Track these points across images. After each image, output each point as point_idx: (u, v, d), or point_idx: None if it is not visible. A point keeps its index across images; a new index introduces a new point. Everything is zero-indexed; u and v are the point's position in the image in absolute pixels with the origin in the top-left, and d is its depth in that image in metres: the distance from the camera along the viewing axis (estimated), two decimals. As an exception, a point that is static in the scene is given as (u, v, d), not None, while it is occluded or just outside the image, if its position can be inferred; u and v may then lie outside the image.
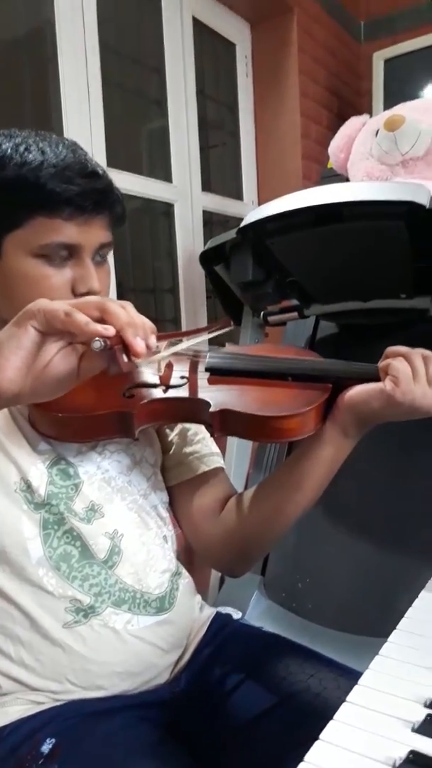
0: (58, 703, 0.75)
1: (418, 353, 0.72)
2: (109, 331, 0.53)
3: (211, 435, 0.76)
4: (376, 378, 0.73)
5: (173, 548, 0.88)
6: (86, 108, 1.75)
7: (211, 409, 0.72)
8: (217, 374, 0.78)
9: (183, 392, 0.75)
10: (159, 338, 0.77)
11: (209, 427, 0.75)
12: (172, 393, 0.75)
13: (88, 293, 0.74)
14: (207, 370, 0.79)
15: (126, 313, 0.55)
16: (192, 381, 0.77)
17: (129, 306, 0.57)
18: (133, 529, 0.80)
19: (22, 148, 0.71)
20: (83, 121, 1.73)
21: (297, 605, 1.61)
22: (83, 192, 0.70)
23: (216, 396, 0.74)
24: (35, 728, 0.71)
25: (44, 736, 0.69)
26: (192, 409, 0.75)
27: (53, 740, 0.69)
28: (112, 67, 1.90)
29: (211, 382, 0.77)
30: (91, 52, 1.77)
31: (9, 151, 0.71)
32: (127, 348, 0.54)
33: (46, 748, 0.68)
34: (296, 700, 0.77)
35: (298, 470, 0.79)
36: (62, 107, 1.70)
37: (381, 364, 0.73)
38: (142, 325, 0.56)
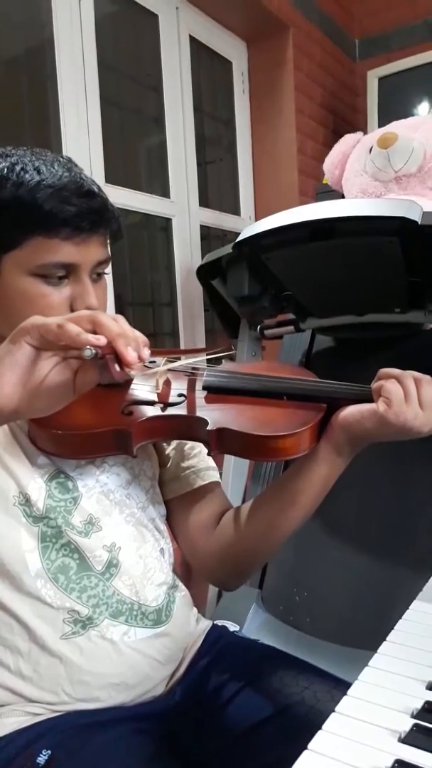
0: (54, 715, 0.75)
1: (409, 375, 0.73)
2: (101, 340, 0.55)
3: (209, 453, 0.77)
4: (369, 399, 0.74)
5: (170, 561, 0.88)
6: (85, 125, 1.78)
7: (208, 428, 0.73)
8: (215, 392, 0.79)
9: (181, 410, 0.75)
10: (157, 353, 0.79)
11: (207, 445, 0.75)
12: (170, 411, 0.75)
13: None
14: (204, 388, 0.79)
15: (117, 324, 0.57)
16: (190, 399, 0.78)
17: (121, 319, 0.59)
18: (130, 542, 0.81)
19: (18, 168, 0.71)
20: (82, 138, 1.76)
21: (294, 618, 1.61)
22: (80, 212, 0.71)
23: (213, 414, 0.75)
24: (31, 740, 0.71)
25: (40, 747, 0.70)
26: (190, 427, 0.76)
27: (49, 752, 0.69)
28: (110, 85, 1.93)
29: (208, 400, 0.78)
30: (90, 70, 1.80)
31: (5, 171, 0.72)
32: (119, 358, 0.56)
33: (41, 759, 0.68)
34: (290, 713, 0.78)
35: (292, 487, 0.80)
36: (61, 124, 1.73)
37: (374, 385, 0.75)
38: (133, 337, 0.57)
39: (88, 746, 0.70)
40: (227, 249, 1.60)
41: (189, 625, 0.90)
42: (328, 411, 0.76)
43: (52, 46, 1.73)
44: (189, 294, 2.23)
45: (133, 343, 0.57)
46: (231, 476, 1.76)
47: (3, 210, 0.71)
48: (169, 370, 0.82)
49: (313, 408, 0.76)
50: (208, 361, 0.83)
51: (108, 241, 0.79)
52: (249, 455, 0.78)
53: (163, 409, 0.75)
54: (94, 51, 1.81)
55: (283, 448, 0.74)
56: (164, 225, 2.18)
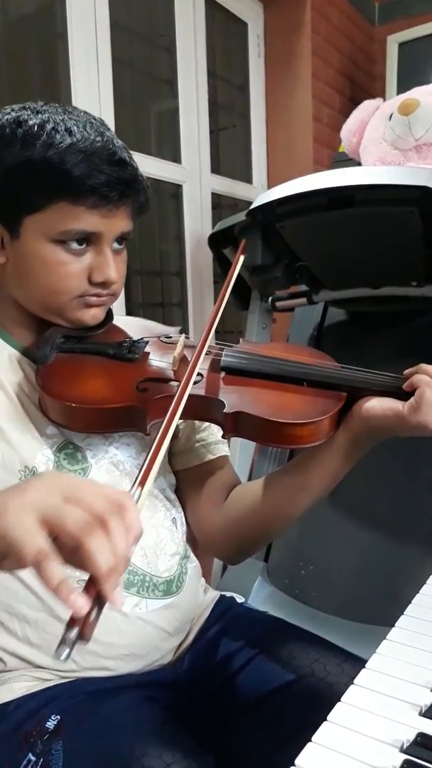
0: (63, 681, 0.75)
1: None
2: (79, 611, 0.44)
3: (223, 436, 0.75)
4: (395, 391, 0.72)
5: (182, 531, 0.87)
6: (96, 86, 1.73)
7: (225, 410, 0.71)
8: (233, 374, 0.77)
9: (198, 390, 0.73)
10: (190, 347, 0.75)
11: (222, 427, 0.73)
12: (189, 387, 0.73)
13: (104, 282, 0.74)
14: (223, 368, 0.77)
15: (108, 553, 0.46)
16: (207, 379, 0.76)
17: (116, 531, 0.47)
18: (142, 512, 0.80)
19: (49, 127, 0.68)
20: (92, 100, 1.71)
21: (299, 592, 1.61)
22: (109, 181, 0.68)
23: (231, 397, 0.73)
24: (40, 704, 0.71)
25: (49, 712, 0.69)
26: (206, 408, 0.74)
27: (58, 717, 0.69)
28: (122, 46, 1.88)
29: (226, 381, 0.76)
30: (102, 29, 1.75)
31: (35, 128, 0.68)
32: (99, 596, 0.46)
33: (51, 724, 0.68)
34: (300, 684, 0.77)
35: (304, 472, 0.79)
36: (71, 85, 1.68)
37: (407, 382, 0.71)
38: (124, 560, 0.47)
39: (97, 713, 0.70)
40: (240, 217, 1.57)
41: (198, 596, 0.89)
42: (348, 400, 0.74)
43: (63, 4, 1.67)
44: (199, 264, 2.19)
45: (122, 568, 0.47)
46: (239, 450, 1.75)
47: (30, 170, 0.68)
48: (185, 347, 0.79)
49: (334, 396, 0.74)
50: (225, 334, 0.80)
51: (134, 213, 0.76)
52: (264, 440, 0.75)
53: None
54: (106, 9, 1.76)
55: (300, 436, 0.71)
56: (175, 192, 2.14)
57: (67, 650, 0.44)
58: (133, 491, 0.54)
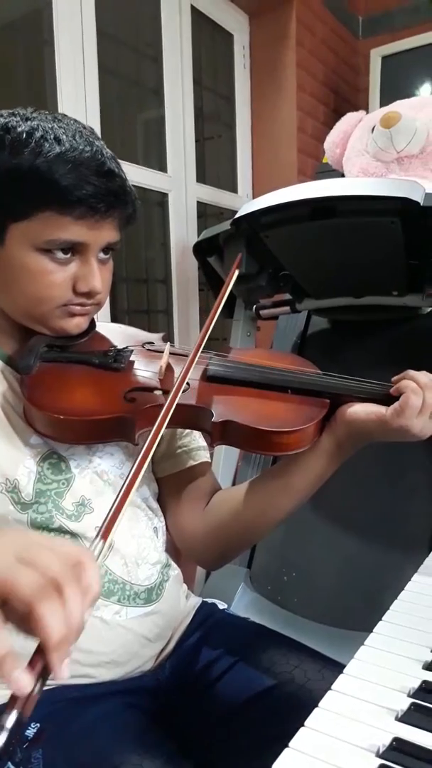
0: (43, 688, 0.74)
1: None
2: (21, 690, 0.40)
3: (210, 444, 0.76)
4: (378, 398, 0.73)
5: (163, 540, 0.88)
6: (82, 94, 1.74)
7: (213, 419, 0.71)
8: (220, 382, 0.77)
9: (186, 399, 0.73)
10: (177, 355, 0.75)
11: (209, 436, 0.74)
12: (177, 398, 0.72)
13: (89, 292, 0.73)
14: (209, 377, 0.78)
15: (61, 620, 0.42)
16: (194, 388, 0.76)
17: (71, 597, 0.44)
18: (123, 522, 0.80)
19: (37, 135, 0.67)
20: (79, 108, 1.72)
21: (282, 598, 1.62)
22: (97, 193, 0.68)
23: (218, 406, 0.73)
24: (20, 713, 0.71)
25: (29, 720, 0.69)
26: (194, 417, 0.74)
27: (38, 725, 0.69)
28: (109, 55, 1.89)
29: (213, 390, 0.76)
30: (88, 37, 1.75)
31: (24, 135, 0.67)
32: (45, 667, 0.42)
33: (30, 732, 0.68)
34: (280, 691, 0.78)
35: (287, 476, 0.79)
36: (57, 93, 1.69)
37: (395, 387, 0.72)
38: (78, 629, 0.44)
39: (77, 720, 0.70)
40: (225, 225, 1.58)
41: (179, 603, 0.90)
42: (331, 406, 0.75)
43: (50, 12, 1.68)
44: (184, 271, 2.20)
45: (73, 639, 0.44)
46: (223, 457, 1.76)
47: (17, 178, 0.67)
48: (171, 354, 0.80)
49: (318, 403, 0.75)
50: (212, 342, 0.81)
51: (121, 224, 0.75)
52: (251, 448, 0.76)
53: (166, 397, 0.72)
54: (93, 18, 1.76)
55: (287, 443, 0.72)
56: (160, 200, 2.15)
57: (4, 737, 0.38)
58: (95, 546, 0.51)
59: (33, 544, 0.47)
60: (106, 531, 0.52)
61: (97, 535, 0.52)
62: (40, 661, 0.41)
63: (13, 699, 0.40)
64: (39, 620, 0.42)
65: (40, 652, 0.42)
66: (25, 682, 0.40)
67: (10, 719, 0.38)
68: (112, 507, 0.55)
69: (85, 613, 0.44)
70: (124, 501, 0.55)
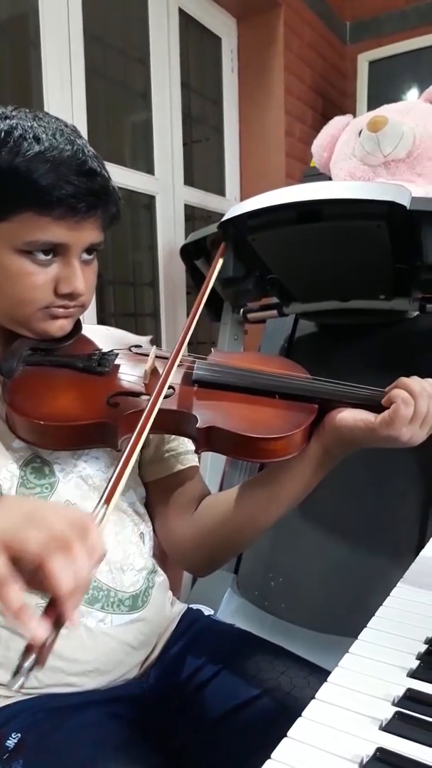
0: (25, 698, 0.73)
1: (427, 396, 0.70)
2: (39, 638, 0.44)
3: (196, 450, 0.75)
4: (367, 404, 0.72)
5: (150, 546, 0.87)
6: (69, 97, 1.73)
7: (198, 425, 0.70)
8: (205, 387, 0.76)
9: (170, 404, 0.72)
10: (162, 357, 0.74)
11: (194, 442, 0.72)
12: (158, 404, 0.70)
13: (71, 294, 0.72)
14: (195, 381, 0.76)
15: (71, 574, 0.46)
16: (179, 392, 0.74)
17: (79, 553, 0.47)
18: (109, 527, 0.79)
19: (16, 134, 0.66)
20: (65, 110, 1.71)
21: (269, 604, 1.61)
22: (78, 192, 0.66)
23: (203, 411, 0.72)
24: (0, 723, 0.70)
25: (9, 730, 0.68)
26: (178, 423, 0.73)
27: (18, 735, 0.67)
28: (96, 57, 1.88)
29: (198, 395, 0.75)
30: (75, 40, 1.74)
31: (2, 134, 0.66)
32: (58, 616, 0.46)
33: (11, 743, 0.67)
34: (266, 698, 0.77)
35: (276, 482, 0.78)
36: (44, 95, 1.68)
37: (386, 397, 0.71)
38: (86, 582, 0.48)
39: (59, 730, 0.69)
40: (212, 228, 1.57)
41: (165, 610, 0.89)
42: (319, 412, 0.74)
43: (36, 14, 1.67)
44: (171, 275, 2.19)
45: (84, 589, 0.48)
46: (209, 462, 1.75)
47: None
48: (157, 358, 0.78)
49: (306, 409, 0.73)
50: (197, 345, 0.79)
51: (104, 224, 0.74)
52: (237, 455, 0.74)
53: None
54: (80, 20, 1.76)
55: (273, 450, 0.71)
56: (148, 203, 2.14)
57: (23, 680, 0.43)
58: (97, 510, 0.54)
59: (40, 508, 0.51)
60: (108, 496, 0.55)
61: (99, 502, 0.55)
62: (53, 614, 0.45)
63: (29, 648, 0.44)
64: (50, 573, 0.45)
65: (52, 605, 0.46)
66: (41, 630, 0.44)
67: (29, 662, 0.43)
68: (113, 473, 0.58)
69: (92, 571, 0.47)
70: (125, 467, 0.58)
